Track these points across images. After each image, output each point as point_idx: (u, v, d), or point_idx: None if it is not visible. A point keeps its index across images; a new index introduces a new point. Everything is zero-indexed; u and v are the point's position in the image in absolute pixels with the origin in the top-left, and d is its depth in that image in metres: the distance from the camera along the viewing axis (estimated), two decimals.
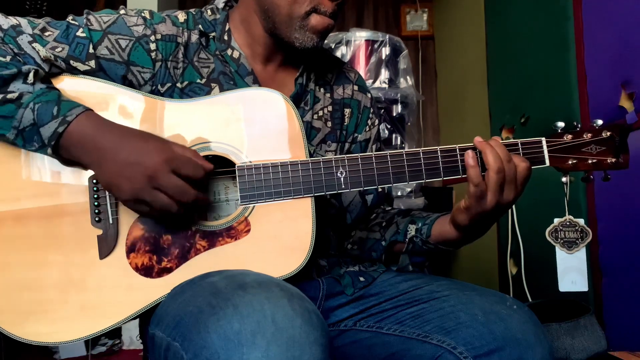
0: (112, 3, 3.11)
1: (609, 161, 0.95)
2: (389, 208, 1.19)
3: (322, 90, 1.12)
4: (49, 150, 0.86)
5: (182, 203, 0.85)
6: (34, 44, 0.91)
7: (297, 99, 1.07)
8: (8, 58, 0.88)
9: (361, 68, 2.42)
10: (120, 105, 0.94)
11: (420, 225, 1.03)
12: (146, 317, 0.90)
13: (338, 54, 2.43)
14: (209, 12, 1.06)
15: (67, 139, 0.85)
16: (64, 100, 0.87)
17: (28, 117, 0.85)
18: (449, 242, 0.99)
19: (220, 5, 1.07)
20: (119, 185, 0.84)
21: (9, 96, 0.85)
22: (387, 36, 2.46)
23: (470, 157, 0.90)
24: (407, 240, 1.04)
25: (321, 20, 0.98)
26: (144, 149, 0.84)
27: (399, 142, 2.45)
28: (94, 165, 0.86)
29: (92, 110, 0.89)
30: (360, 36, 2.44)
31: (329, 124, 1.11)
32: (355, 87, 1.18)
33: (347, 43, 2.44)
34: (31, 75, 0.87)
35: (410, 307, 0.96)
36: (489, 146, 0.90)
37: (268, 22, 1.01)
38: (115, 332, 2.35)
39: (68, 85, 0.94)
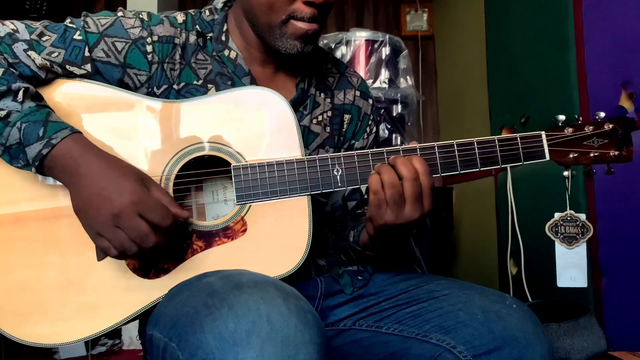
0: (112, 3, 3.11)
1: (611, 154, 0.94)
2: (360, 211, 1.17)
3: (322, 95, 1.12)
4: (33, 170, 0.86)
5: (140, 247, 0.83)
6: (30, 52, 0.91)
7: (298, 104, 1.06)
8: (1, 72, 0.88)
9: (361, 68, 2.42)
10: (115, 108, 0.94)
11: (355, 230, 1.04)
12: (145, 318, 0.90)
13: (338, 54, 2.42)
14: (207, 12, 1.06)
15: (51, 160, 0.85)
16: (51, 121, 0.86)
17: (14, 136, 0.85)
18: (371, 249, 1.00)
19: (219, 6, 1.07)
20: (85, 214, 0.84)
21: None
22: (387, 36, 2.46)
23: (375, 169, 0.89)
24: (348, 245, 1.06)
25: (300, 26, 0.95)
26: (119, 186, 0.83)
27: (398, 142, 2.45)
28: (71, 188, 0.86)
29: (79, 132, 0.88)
30: (360, 36, 2.44)
31: (328, 129, 1.11)
32: (357, 93, 1.17)
33: (347, 43, 2.44)
34: (21, 93, 0.87)
35: (409, 306, 0.96)
36: (385, 166, 0.88)
37: (254, 29, 1.00)
38: (115, 332, 2.35)
39: (64, 89, 0.94)
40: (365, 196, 1.15)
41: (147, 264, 0.90)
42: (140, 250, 0.83)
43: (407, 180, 0.86)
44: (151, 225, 0.83)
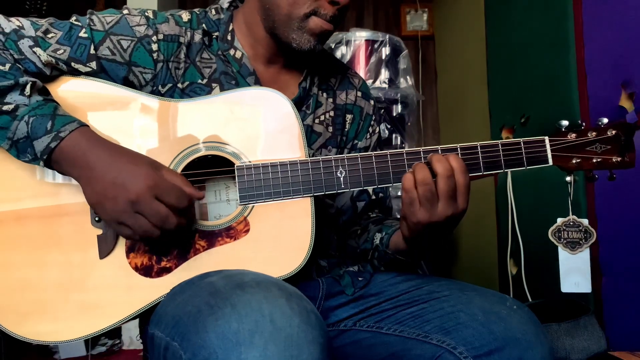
0: (112, 3, 3.11)
1: (614, 160, 0.94)
2: (374, 215, 1.17)
3: (324, 94, 1.12)
4: (41, 164, 0.86)
5: (163, 229, 0.85)
6: (35, 48, 0.91)
7: (300, 103, 1.07)
8: (7, 67, 0.88)
9: (361, 68, 2.42)
10: (120, 106, 0.94)
11: (383, 234, 1.03)
12: (146, 317, 0.90)
13: (338, 54, 2.43)
14: (213, 11, 1.06)
15: (59, 154, 0.85)
16: (59, 115, 0.87)
17: (22, 130, 0.85)
18: (402, 252, 0.99)
19: (225, 5, 1.07)
20: (102, 205, 0.84)
21: (5, 108, 0.85)
22: (387, 36, 2.46)
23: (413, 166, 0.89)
24: (373, 248, 1.05)
25: (320, 24, 0.97)
26: (132, 172, 0.84)
27: (398, 142, 2.46)
28: (82, 182, 0.87)
29: (86, 126, 0.89)
30: (360, 36, 2.44)
31: (330, 129, 1.11)
32: (359, 94, 1.18)
33: (347, 43, 2.44)
34: (28, 87, 0.87)
35: (410, 307, 0.96)
36: (420, 165, 0.88)
37: (268, 22, 1.01)
38: (115, 332, 2.35)
39: (69, 87, 0.95)
40: (373, 197, 1.16)
41: (151, 262, 0.90)
42: (162, 233, 0.85)
43: (441, 178, 0.86)
44: (169, 207, 0.84)
